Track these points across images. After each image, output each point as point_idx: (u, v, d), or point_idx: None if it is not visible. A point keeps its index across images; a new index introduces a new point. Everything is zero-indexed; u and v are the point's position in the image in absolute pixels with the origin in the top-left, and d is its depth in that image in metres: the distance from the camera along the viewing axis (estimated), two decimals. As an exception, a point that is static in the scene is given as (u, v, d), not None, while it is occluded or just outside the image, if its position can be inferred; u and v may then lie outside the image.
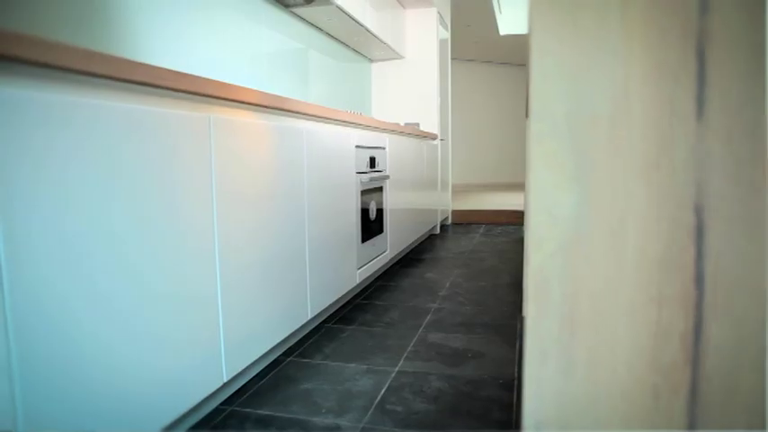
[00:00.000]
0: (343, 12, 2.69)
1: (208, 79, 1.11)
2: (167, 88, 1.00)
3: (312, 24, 2.94)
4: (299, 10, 2.66)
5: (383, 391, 1.34)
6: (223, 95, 1.17)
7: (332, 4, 2.56)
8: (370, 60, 4.02)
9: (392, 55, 3.86)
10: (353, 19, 2.83)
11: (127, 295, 0.90)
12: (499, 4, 5.79)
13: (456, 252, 3.27)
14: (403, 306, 2.10)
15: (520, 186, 8.27)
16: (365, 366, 1.51)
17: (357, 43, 3.45)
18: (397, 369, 1.49)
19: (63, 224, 0.78)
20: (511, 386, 1.37)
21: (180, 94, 1.07)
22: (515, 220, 4.53)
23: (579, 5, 0.41)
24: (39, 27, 1.29)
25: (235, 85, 1.22)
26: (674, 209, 0.41)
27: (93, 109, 0.83)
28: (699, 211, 0.40)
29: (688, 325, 0.42)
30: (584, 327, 0.44)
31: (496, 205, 5.07)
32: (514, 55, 7.74)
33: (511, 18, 6.13)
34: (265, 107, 1.38)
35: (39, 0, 1.29)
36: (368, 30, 3.08)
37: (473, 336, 1.75)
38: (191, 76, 1.06)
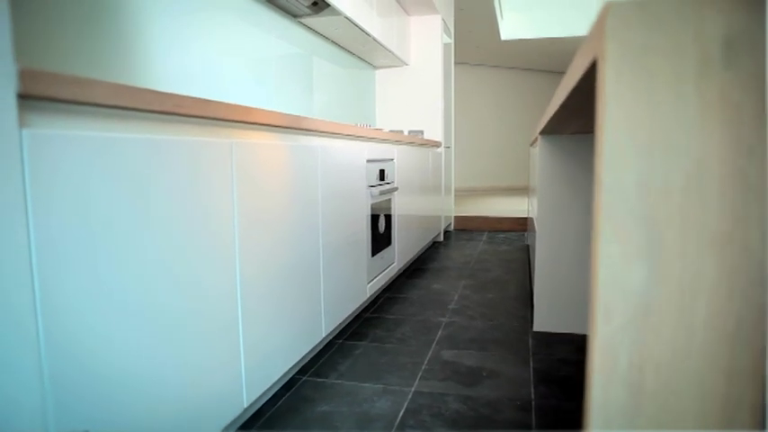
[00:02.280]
0: (351, 22, 2.68)
1: (229, 105, 1.11)
2: (191, 116, 0.99)
3: (318, 33, 2.93)
4: (306, 20, 2.66)
5: (401, 414, 1.34)
6: (244, 119, 1.16)
7: (340, 14, 2.56)
8: (374, 67, 4.01)
9: (396, 62, 3.85)
10: (361, 28, 2.83)
11: (154, 323, 0.89)
12: (501, 10, 5.79)
13: (461, 261, 3.27)
14: (413, 320, 2.10)
15: (520, 190, 8.28)
16: (381, 386, 1.50)
17: (362, 51, 3.45)
18: (413, 389, 1.48)
19: (95, 261, 0.77)
20: (528, 408, 1.37)
21: (204, 120, 1.06)
22: (517, 226, 4.54)
23: (655, 78, 0.41)
24: (44, 28, 1.28)
25: (255, 109, 1.21)
26: (746, 284, 0.41)
27: (122, 144, 0.82)
28: (773, 289, 0.40)
29: (758, 398, 0.42)
30: (650, 397, 0.44)
31: (498, 211, 5.07)
32: (515, 59, 7.75)
33: (512, 23, 6.14)
34: (283, 127, 1.37)
35: (43, 2, 1.28)
36: (374, 39, 3.07)
37: (486, 353, 1.75)
38: (214, 103, 1.05)
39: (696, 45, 0.40)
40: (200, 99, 1.01)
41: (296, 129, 1.43)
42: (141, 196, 0.86)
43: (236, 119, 1.13)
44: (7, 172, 0.64)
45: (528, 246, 3.75)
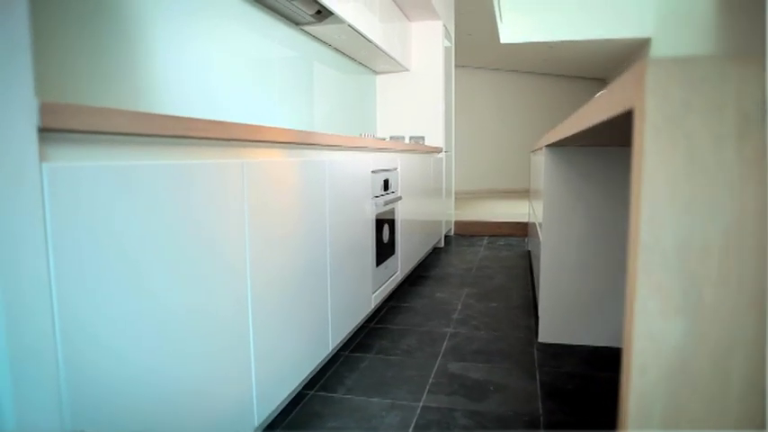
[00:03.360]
0: (354, 29, 2.68)
1: (241, 125, 1.10)
2: (204, 138, 0.99)
3: (320, 40, 2.92)
4: (308, 27, 2.65)
5: (411, 431, 1.34)
6: (255, 138, 1.16)
7: (343, 22, 2.55)
8: (375, 72, 4.01)
9: (397, 67, 3.85)
10: (363, 35, 2.82)
11: (169, 344, 0.89)
12: (500, 13, 5.80)
13: (462, 268, 3.27)
14: (418, 331, 2.10)
15: (520, 193, 8.29)
16: (389, 401, 1.50)
17: (363, 57, 3.44)
18: (421, 404, 1.48)
19: (110, 286, 0.76)
20: (537, 424, 1.37)
21: (216, 141, 1.06)
22: (518, 232, 4.55)
23: (695, 135, 0.41)
24: (44, 26, 1.27)
25: (265, 128, 1.21)
26: (785, 342, 0.41)
27: (137, 171, 0.81)
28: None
29: (794, 454, 0.42)
30: (686, 451, 0.44)
31: (498, 215, 5.08)
32: (515, 62, 7.76)
33: (511, 27, 6.14)
34: (292, 143, 1.37)
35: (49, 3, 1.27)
36: (377, 45, 3.07)
37: (492, 365, 1.75)
38: (225, 124, 1.05)
39: (737, 104, 0.40)
40: (212, 121, 1.00)
41: (304, 144, 1.42)
42: (155, 221, 0.85)
43: (247, 138, 1.13)
44: (29, 207, 0.63)
45: (529, 252, 3.76)
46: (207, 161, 0.99)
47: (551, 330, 1.99)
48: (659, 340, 0.43)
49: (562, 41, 6.13)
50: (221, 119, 1.99)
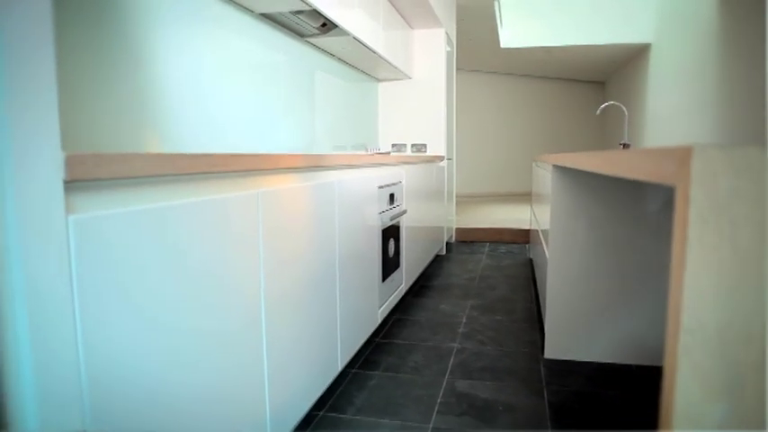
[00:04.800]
0: (359, 41, 2.68)
1: (256, 156, 1.10)
2: (222, 172, 0.99)
3: (323, 50, 2.92)
4: (313, 39, 2.65)
5: (422, 456, 1.34)
6: (270, 167, 1.16)
7: (348, 34, 2.55)
8: (377, 80, 4.01)
9: (400, 75, 3.85)
10: (367, 47, 2.82)
11: (190, 373, 0.89)
12: (501, 18, 5.80)
13: (465, 278, 3.28)
14: (424, 346, 2.10)
15: (520, 196, 8.30)
16: (399, 422, 1.50)
17: (366, 65, 3.44)
18: (431, 426, 1.48)
19: (132, 324, 0.76)
20: (547, 448, 1.38)
21: (233, 173, 1.06)
22: (519, 238, 4.56)
23: (741, 226, 0.41)
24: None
25: (280, 156, 1.21)
26: (827, 427, 0.41)
27: (157, 213, 0.81)
28: None
29: None
30: None
31: (499, 221, 5.09)
32: (514, 65, 7.77)
33: (512, 31, 6.14)
34: (303, 168, 1.37)
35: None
36: (380, 56, 3.07)
37: (500, 383, 1.75)
38: (242, 156, 1.05)
39: (781, 193, 0.40)
40: (229, 155, 1.00)
41: (316, 166, 1.42)
42: (174, 258, 0.85)
43: (262, 167, 1.13)
44: (56, 261, 0.63)
45: (531, 260, 3.76)
46: (224, 195, 0.99)
47: (557, 347, 1.99)
48: (700, 423, 0.43)
49: (562, 46, 6.14)
50: (227, 125, 1.99)
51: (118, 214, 0.73)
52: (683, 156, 0.43)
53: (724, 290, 0.42)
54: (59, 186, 0.64)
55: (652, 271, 1.89)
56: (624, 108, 3.75)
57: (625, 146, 3.35)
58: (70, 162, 0.65)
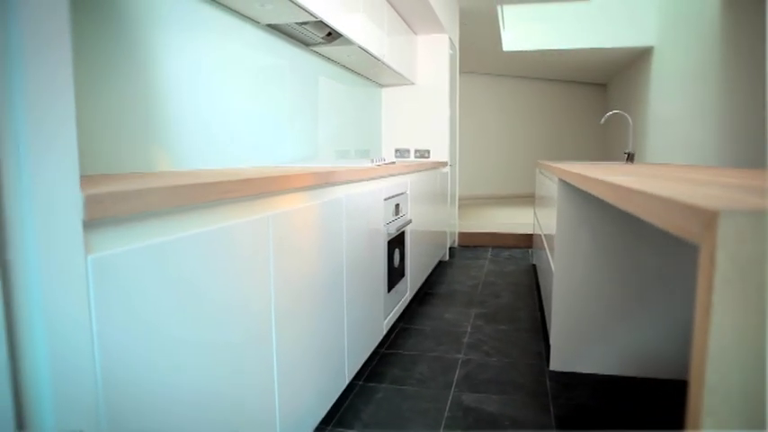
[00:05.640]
0: (364, 50, 2.68)
1: (268, 178, 1.11)
2: (234, 197, 0.99)
3: (327, 57, 2.92)
4: (318, 48, 2.65)
5: (430, 473, 1.35)
6: (280, 189, 1.16)
7: (353, 43, 2.55)
8: (381, 86, 4.01)
9: (403, 81, 3.85)
10: (372, 55, 2.82)
11: (200, 395, 0.89)
12: (503, 21, 5.79)
13: (469, 285, 3.28)
14: (430, 357, 2.11)
15: (523, 198, 8.30)
16: (406, 438, 1.51)
17: (370, 72, 3.44)
18: (438, 442, 1.49)
19: (147, 353, 0.77)
20: (555, 465, 1.38)
21: (245, 197, 1.06)
22: (521, 243, 4.56)
23: (763, 290, 0.41)
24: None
25: (291, 176, 1.21)
26: None
27: (172, 245, 0.82)
28: None
29: None
30: None
31: (502, 225, 5.09)
32: (516, 68, 7.76)
33: (514, 35, 6.14)
34: (312, 186, 1.37)
35: None
36: (385, 63, 3.07)
37: (505, 397, 1.76)
38: (253, 181, 1.05)
39: (807, 260, 0.40)
40: (241, 180, 1.01)
41: (325, 183, 1.43)
42: (188, 284, 0.86)
43: (272, 190, 1.13)
44: (76, 300, 0.64)
45: (534, 266, 3.77)
46: (236, 222, 1.00)
47: (563, 359, 2.00)
48: (725, 483, 0.43)
49: (564, 49, 6.13)
50: (234, 134, 1.99)
51: (134, 250, 0.73)
52: (709, 219, 0.43)
53: (749, 351, 0.42)
54: (79, 228, 0.64)
55: (658, 283, 1.89)
56: (628, 117, 3.74)
57: (630, 155, 3.34)
58: (89, 202, 0.65)
